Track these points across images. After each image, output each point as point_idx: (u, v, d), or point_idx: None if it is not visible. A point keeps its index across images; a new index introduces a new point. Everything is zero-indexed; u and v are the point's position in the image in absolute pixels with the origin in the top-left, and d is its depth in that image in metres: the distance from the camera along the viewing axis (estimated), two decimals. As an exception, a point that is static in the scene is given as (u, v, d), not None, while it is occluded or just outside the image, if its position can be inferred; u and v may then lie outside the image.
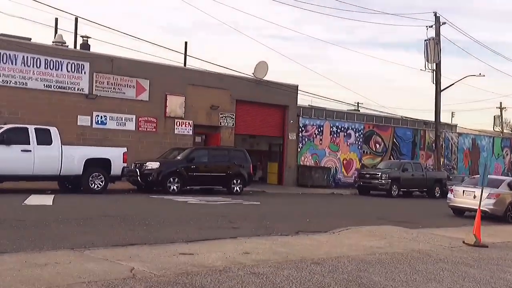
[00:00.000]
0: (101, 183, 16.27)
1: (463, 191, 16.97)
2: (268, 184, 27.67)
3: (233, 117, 25.25)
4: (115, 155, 16.63)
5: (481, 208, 17.20)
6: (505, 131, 55.52)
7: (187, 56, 25.77)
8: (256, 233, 10.23)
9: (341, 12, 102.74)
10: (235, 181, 19.95)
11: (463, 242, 10.35)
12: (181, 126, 23.45)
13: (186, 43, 26.10)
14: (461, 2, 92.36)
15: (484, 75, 30.96)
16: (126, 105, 21.72)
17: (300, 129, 28.18)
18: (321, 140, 29.10)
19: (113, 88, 21.30)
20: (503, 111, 57.62)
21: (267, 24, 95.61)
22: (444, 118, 40.56)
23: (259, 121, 26.78)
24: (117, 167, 16.51)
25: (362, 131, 31.11)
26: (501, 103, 58.79)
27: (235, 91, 25.16)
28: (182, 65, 25.60)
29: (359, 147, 30.98)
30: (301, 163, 28.05)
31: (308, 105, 32.22)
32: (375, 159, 31.15)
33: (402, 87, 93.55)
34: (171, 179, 18.05)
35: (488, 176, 19.70)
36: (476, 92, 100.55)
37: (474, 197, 15.32)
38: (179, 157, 19.06)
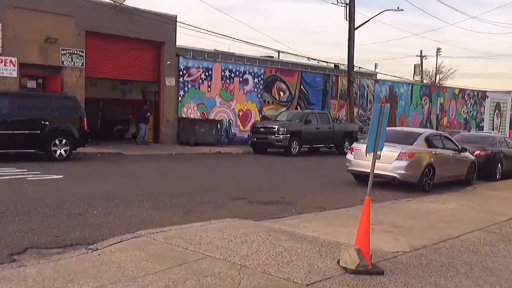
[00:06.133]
0: None
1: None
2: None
3: (82, 54, 18.87)
4: None
5: (389, 173, 12.52)
6: (424, 81, 52.72)
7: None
8: None
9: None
10: (57, 142, 13.91)
11: (338, 263, 5.22)
12: (-2, 65, 16.87)
13: None
14: None
15: (402, 9, 26.35)
16: None
17: (181, 73, 22.32)
18: (209, 86, 23.43)
19: None
20: (423, 59, 54.88)
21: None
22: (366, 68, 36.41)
23: (122, 61, 20.50)
24: None
25: (262, 76, 25.72)
26: (421, 51, 56.03)
27: (84, 20, 18.67)
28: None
29: (259, 95, 25.69)
30: (183, 115, 22.37)
31: (214, 49, 26.14)
32: (279, 110, 25.96)
33: (326, 39, 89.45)
34: None
35: (398, 128, 15.10)
36: (396, 36, 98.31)
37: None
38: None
